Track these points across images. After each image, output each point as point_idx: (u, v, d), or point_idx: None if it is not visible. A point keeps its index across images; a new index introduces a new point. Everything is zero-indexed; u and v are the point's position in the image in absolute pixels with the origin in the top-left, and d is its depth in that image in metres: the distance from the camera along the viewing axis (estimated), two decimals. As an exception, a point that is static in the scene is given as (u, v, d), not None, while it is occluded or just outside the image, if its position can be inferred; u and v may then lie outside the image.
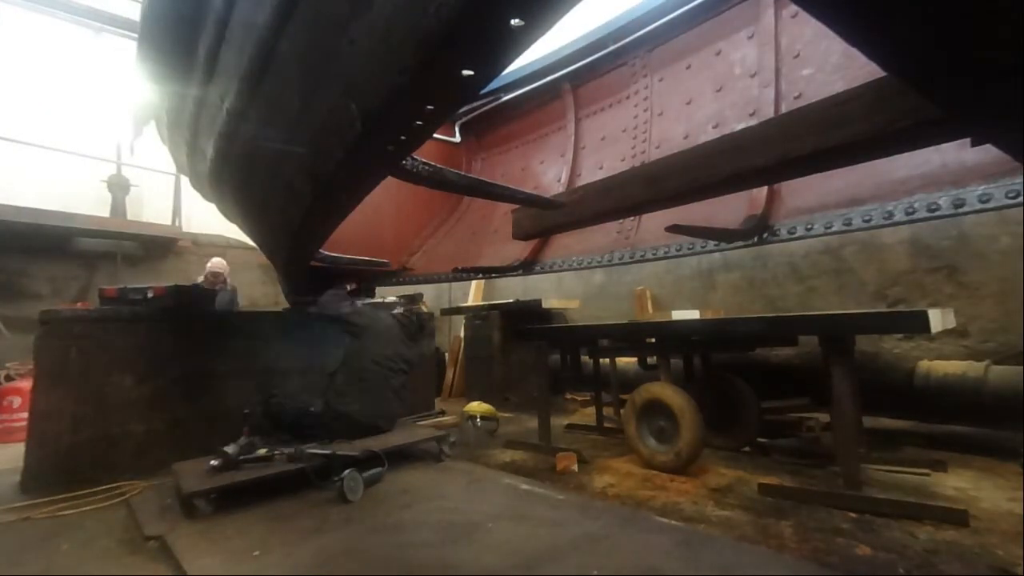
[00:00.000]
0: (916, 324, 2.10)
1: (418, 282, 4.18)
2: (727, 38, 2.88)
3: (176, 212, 7.06)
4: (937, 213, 2.00)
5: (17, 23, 6.98)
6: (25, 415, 3.11)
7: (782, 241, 2.48)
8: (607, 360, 3.93)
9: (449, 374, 6.21)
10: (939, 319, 2.11)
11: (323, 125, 1.30)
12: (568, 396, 5.20)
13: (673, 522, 2.08)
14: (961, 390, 2.84)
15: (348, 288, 3.61)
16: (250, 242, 4.46)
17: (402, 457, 3.00)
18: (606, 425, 3.75)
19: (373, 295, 4.35)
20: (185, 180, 4.31)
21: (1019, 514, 2.05)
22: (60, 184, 6.56)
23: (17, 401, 4.30)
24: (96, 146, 6.83)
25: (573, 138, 3.70)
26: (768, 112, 2.57)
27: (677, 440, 2.71)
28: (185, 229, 7.04)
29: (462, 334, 6.01)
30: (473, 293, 6.85)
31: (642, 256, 2.93)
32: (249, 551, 1.91)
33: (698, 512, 2.23)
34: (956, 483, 2.43)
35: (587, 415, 4.42)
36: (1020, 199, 1.78)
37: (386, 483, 2.63)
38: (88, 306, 4.02)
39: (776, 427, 3.18)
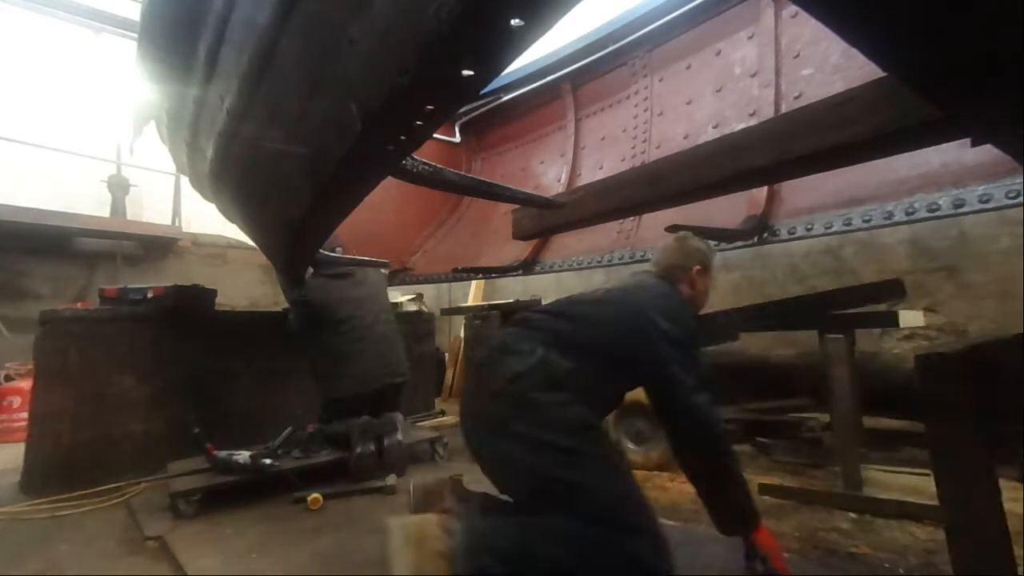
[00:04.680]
0: (887, 321, 2.49)
1: (418, 282, 4.18)
2: (727, 38, 2.88)
3: (176, 212, 7.05)
4: (937, 213, 2.00)
5: (17, 23, 6.98)
6: (25, 415, 3.11)
7: (782, 241, 2.48)
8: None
9: (449, 374, 6.21)
10: (910, 318, 2.45)
11: (323, 125, 1.30)
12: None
13: (673, 522, 2.09)
14: (961, 390, 2.85)
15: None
16: (250, 242, 4.45)
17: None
18: (606, 425, 3.75)
19: None
20: (185, 180, 4.30)
21: (1019, 514, 2.05)
22: (60, 184, 6.55)
23: (17, 401, 4.30)
24: (96, 146, 6.82)
25: (573, 138, 3.70)
26: (768, 112, 2.57)
27: (652, 443, 2.74)
28: (185, 229, 7.02)
29: (462, 334, 6.01)
30: (473, 293, 6.84)
31: (642, 256, 2.93)
32: (249, 551, 1.91)
33: (698, 512, 2.22)
34: (956, 483, 2.43)
35: (587, 415, 4.41)
36: (1020, 199, 1.77)
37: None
38: (88, 306, 4.01)
39: (776, 427, 3.18)
